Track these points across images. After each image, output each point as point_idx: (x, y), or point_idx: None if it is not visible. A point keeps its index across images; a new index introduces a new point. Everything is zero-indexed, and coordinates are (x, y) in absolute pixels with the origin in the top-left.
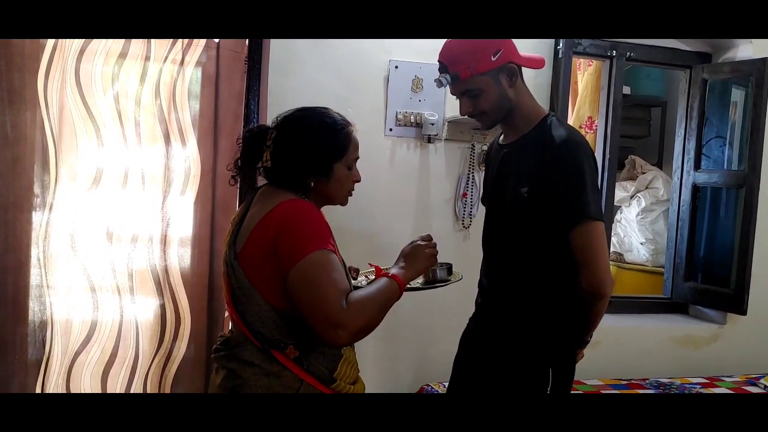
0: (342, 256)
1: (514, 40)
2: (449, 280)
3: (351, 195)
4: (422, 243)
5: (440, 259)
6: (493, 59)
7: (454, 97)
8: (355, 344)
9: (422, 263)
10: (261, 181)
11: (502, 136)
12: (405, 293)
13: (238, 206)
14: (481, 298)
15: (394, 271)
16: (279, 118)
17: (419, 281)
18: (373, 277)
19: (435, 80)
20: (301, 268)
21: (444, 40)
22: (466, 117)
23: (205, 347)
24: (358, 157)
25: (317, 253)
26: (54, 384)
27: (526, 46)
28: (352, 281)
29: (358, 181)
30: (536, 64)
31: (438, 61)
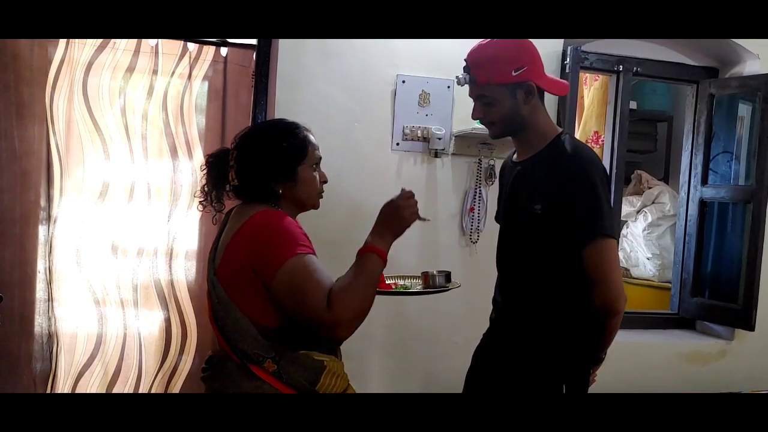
0: (341, 269)
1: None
2: (447, 287)
3: (322, 197)
4: (400, 201)
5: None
6: (513, 74)
7: (463, 106)
8: (361, 357)
9: (399, 223)
10: (229, 205)
11: (515, 154)
12: (407, 302)
13: None
14: (496, 314)
15: (369, 239)
16: (237, 138)
17: (418, 286)
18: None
19: (455, 77)
20: (280, 277)
21: (456, 44)
22: (473, 131)
23: (196, 360)
24: (320, 158)
25: (292, 260)
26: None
27: None
28: None
29: (326, 181)
30: (559, 90)
31: (464, 59)
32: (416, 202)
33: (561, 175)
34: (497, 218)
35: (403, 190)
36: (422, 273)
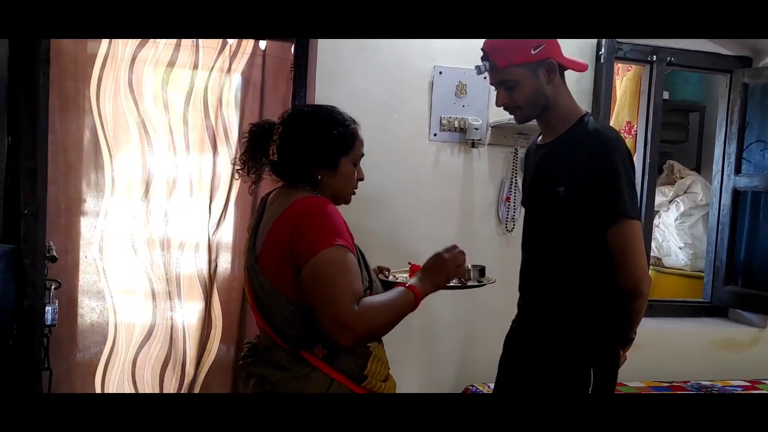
0: (382, 258)
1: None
2: (482, 282)
3: (354, 193)
4: (446, 255)
5: (484, 261)
6: (533, 52)
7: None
8: (398, 344)
9: (442, 276)
10: (267, 178)
11: (540, 137)
12: (443, 292)
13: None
14: (523, 299)
15: (412, 281)
16: (285, 114)
17: (452, 281)
18: (407, 275)
19: (475, 66)
20: (315, 264)
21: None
22: (509, 121)
23: (234, 351)
24: (363, 154)
25: (331, 250)
26: (116, 383)
27: (569, 52)
28: (381, 278)
29: (362, 179)
30: (578, 66)
31: (481, 48)
32: (464, 257)
33: (584, 157)
34: (523, 202)
35: (453, 246)
36: None
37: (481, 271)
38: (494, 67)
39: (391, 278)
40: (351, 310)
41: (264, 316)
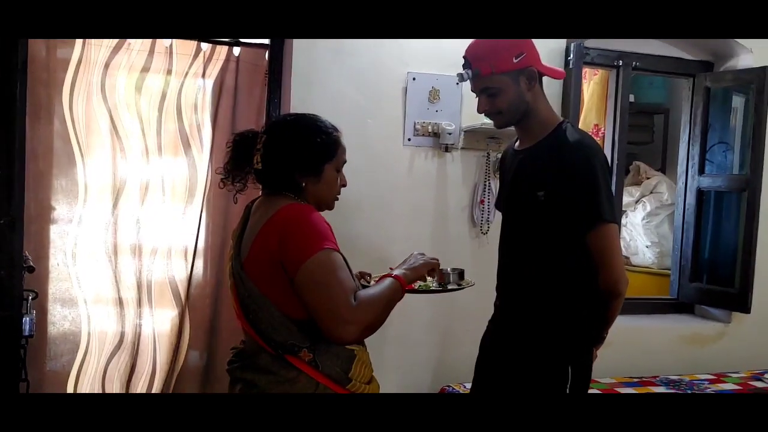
0: (360, 262)
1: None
2: (461, 285)
3: (337, 199)
4: (422, 253)
5: (459, 263)
6: (515, 60)
7: (472, 102)
8: (375, 348)
9: (423, 267)
10: (251, 186)
11: (517, 142)
12: (420, 295)
13: None
14: (500, 300)
15: (397, 272)
16: (269, 123)
17: (433, 285)
18: None
19: (457, 74)
20: (308, 269)
21: (464, 42)
22: (481, 126)
23: (205, 356)
24: (345, 161)
25: (321, 254)
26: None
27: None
28: (363, 284)
29: (345, 185)
30: (557, 74)
31: (463, 56)
32: (437, 264)
33: (564, 163)
34: (497, 205)
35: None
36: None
37: (461, 274)
38: (478, 75)
39: (372, 283)
40: (349, 305)
41: (250, 321)
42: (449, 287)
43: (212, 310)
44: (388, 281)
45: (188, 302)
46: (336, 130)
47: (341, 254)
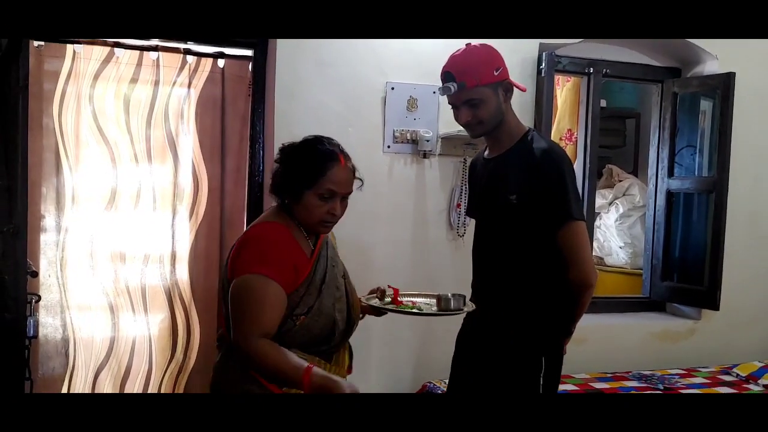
0: (346, 266)
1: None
2: (462, 309)
3: (327, 226)
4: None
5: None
6: (495, 74)
7: (449, 110)
8: (360, 346)
9: (338, 388)
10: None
11: (486, 151)
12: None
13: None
14: (476, 297)
15: (317, 370)
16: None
17: (433, 308)
18: (390, 299)
19: (440, 88)
20: (235, 286)
21: (440, 53)
22: (458, 133)
23: (194, 357)
24: (333, 191)
25: (250, 277)
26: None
27: (513, 64)
28: (371, 304)
29: (335, 214)
30: (522, 87)
31: (444, 71)
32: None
33: (534, 168)
34: (469, 212)
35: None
36: (436, 295)
37: (464, 299)
38: (463, 87)
39: (378, 303)
40: (251, 341)
41: (227, 327)
42: (452, 313)
43: (200, 314)
44: (299, 368)
45: (181, 306)
46: (330, 159)
47: (278, 284)
